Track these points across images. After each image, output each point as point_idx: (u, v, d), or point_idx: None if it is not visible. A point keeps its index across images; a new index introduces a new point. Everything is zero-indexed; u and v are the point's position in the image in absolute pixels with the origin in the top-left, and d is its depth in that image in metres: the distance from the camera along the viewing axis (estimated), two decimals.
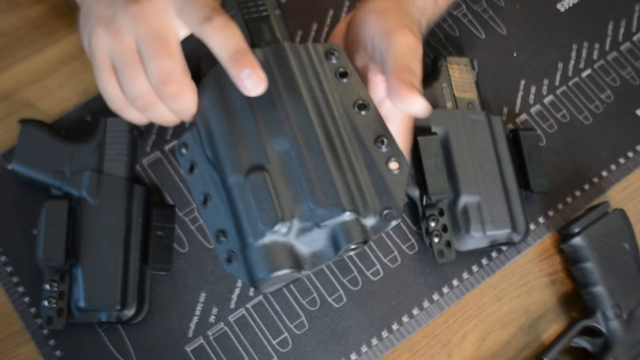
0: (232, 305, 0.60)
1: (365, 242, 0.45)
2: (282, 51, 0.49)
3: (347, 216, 0.44)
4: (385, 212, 0.45)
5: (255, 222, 0.44)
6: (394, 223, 0.45)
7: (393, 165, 0.47)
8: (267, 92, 0.46)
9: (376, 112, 0.48)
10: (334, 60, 0.49)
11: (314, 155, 0.46)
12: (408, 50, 0.49)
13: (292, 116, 0.47)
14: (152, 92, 0.46)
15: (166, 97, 0.46)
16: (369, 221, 0.45)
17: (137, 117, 0.49)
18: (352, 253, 0.51)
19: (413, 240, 0.63)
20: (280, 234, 0.44)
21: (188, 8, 0.46)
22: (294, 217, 0.44)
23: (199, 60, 0.51)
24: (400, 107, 0.48)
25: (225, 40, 0.45)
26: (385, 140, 0.47)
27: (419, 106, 0.47)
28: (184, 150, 0.49)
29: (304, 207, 0.45)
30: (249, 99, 0.47)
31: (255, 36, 0.50)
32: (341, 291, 0.61)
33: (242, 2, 0.52)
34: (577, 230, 0.62)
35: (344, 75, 0.49)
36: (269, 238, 0.44)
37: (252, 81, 0.44)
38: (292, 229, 0.45)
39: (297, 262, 0.45)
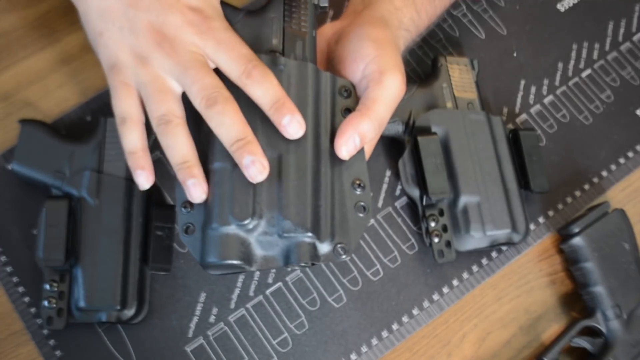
0: (232, 305, 0.60)
1: (313, 264, 0.49)
2: (305, 71, 0.52)
3: (308, 237, 0.48)
4: (339, 245, 0.49)
5: (226, 211, 0.47)
6: (343, 258, 0.49)
7: (360, 209, 0.51)
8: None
9: (363, 157, 0.52)
10: (344, 97, 0.53)
11: (299, 173, 0.49)
12: (391, 97, 0.53)
13: None
14: (179, 114, 0.49)
15: (212, 111, 0.48)
16: (323, 248, 0.49)
17: (135, 138, 0.50)
18: (298, 268, 0.58)
19: (413, 240, 0.63)
20: (245, 229, 0.47)
21: (222, 56, 0.49)
22: (263, 219, 0.48)
23: None
24: (335, 143, 0.51)
25: (264, 92, 0.48)
26: (362, 184, 0.51)
27: (340, 155, 0.51)
28: None
29: (274, 214, 0.48)
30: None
31: (288, 46, 0.53)
32: (341, 291, 0.61)
33: (287, 10, 0.54)
34: (577, 230, 0.62)
35: (348, 112, 0.52)
36: (232, 229, 0.47)
37: (293, 127, 0.48)
38: (257, 228, 0.48)
39: (248, 258, 0.48)
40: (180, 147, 0.48)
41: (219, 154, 0.49)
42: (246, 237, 0.48)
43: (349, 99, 0.53)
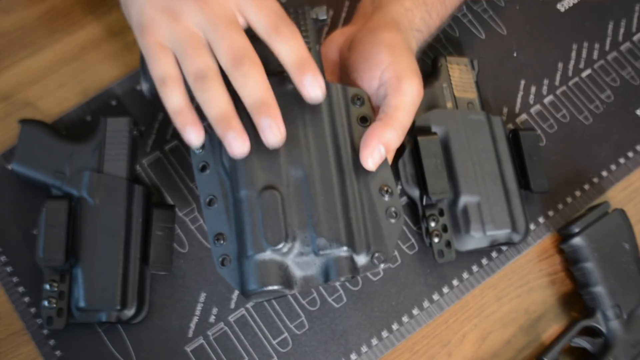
0: (232, 305, 0.60)
1: (352, 277, 0.49)
2: None
3: (344, 251, 0.48)
4: (376, 254, 0.49)
5: (259, 237, 0.47)
6: (382, 266, 0.49)
7: (391, 215, 0.50)
8: (294, 120, 0.50)
9: (387, 163, 0.52)
10: (358, 105, 0.53)
11: (325, 188, 0.49)
12: (411, 103, 0.53)
13: (313, 148, 0.50)
14: (214, 67, 0.48)
15: (238, 72, 0.47)
16: (360, 260, 0.49)
17: (178, 97, 0.49)
18: (338, 283, 0.58)
19: (413, 240, 0.63)
20: (280, 252, 0.47)
21: (253, 9, 0.49)
22: (296, 240, 0.47)
23: None
24: (360, 155, 0.51)
25: (290, 50, 0.48)
26: (389, 190, 0.51)
27: (366, 166, 0.51)
28: (197, 150, 0.52)
29: (307, 234, 0.48)
30: None
31: None
32: (341, 291, 0.61)
33: None
34: (577, 230, 0.62)
35: (364, 120, 0.52)
36: (268, 254, 0.47)
37: (313, 86, 0.48)
38: (292, 250, 0.48)
39: (288, 281, 0.48)
40: (217, 101, 0.48)
41: (244, 181, 0.49)
42: (283, 260, 0.48)
43: (363, 107, 0.53)
